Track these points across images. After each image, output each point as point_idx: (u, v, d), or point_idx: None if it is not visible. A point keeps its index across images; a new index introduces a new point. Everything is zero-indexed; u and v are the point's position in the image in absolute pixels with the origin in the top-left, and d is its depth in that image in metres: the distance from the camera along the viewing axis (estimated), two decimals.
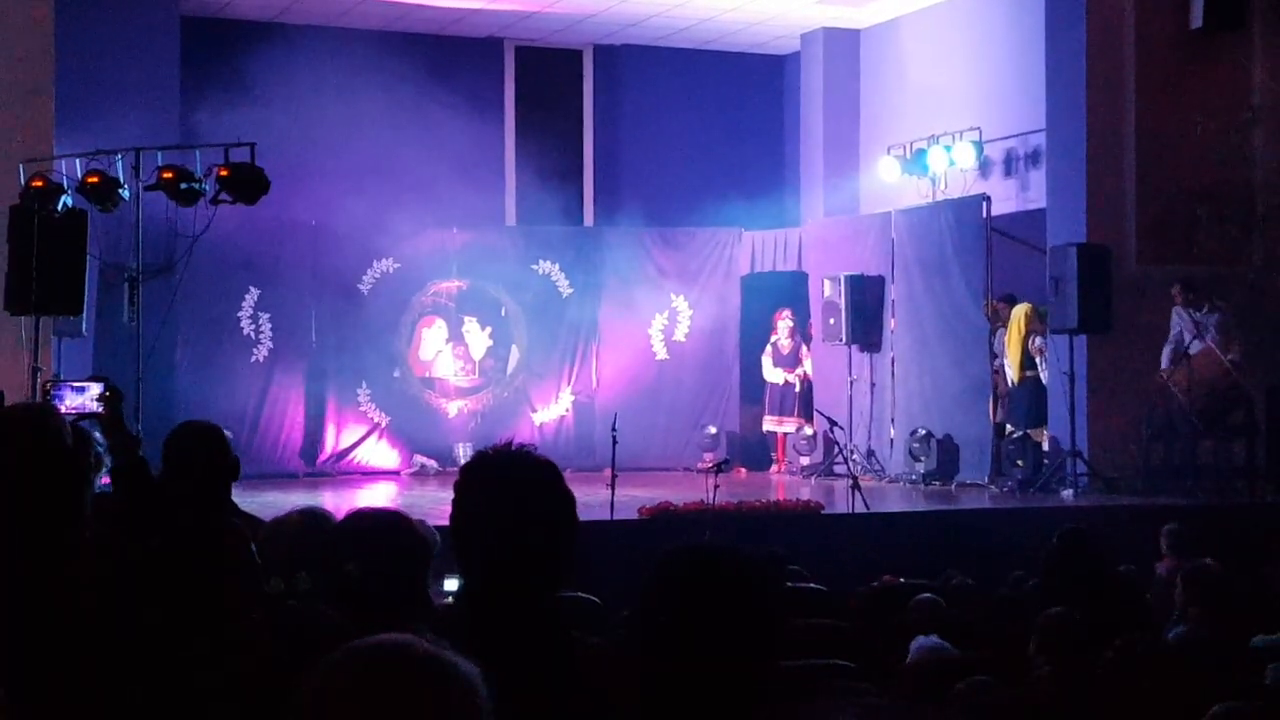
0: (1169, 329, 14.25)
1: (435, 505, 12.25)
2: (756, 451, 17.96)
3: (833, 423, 15.28)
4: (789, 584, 8.49)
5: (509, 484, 2.90)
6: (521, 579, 2.84)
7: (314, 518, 3.93)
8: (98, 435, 5.32)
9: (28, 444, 3.52)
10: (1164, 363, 14.15)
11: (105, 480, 5.30)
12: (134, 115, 14.35)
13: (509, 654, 2.61)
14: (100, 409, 5.59)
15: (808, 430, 17.26)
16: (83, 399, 5.85)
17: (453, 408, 17.42)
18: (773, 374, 17.65)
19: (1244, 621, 6.22)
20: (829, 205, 18.66)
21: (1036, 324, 15.02)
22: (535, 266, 17.73)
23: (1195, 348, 13.96)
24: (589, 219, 19.05)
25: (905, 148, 17.76)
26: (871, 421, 16.65)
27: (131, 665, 3.06)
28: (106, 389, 5.61)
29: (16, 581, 3.34)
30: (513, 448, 2.95)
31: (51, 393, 6.15)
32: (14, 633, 3.09)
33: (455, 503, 2.92)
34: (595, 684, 2.76)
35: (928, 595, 7.65)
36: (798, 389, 17.55)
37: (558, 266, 17.79)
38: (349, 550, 3.60)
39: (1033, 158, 16.42)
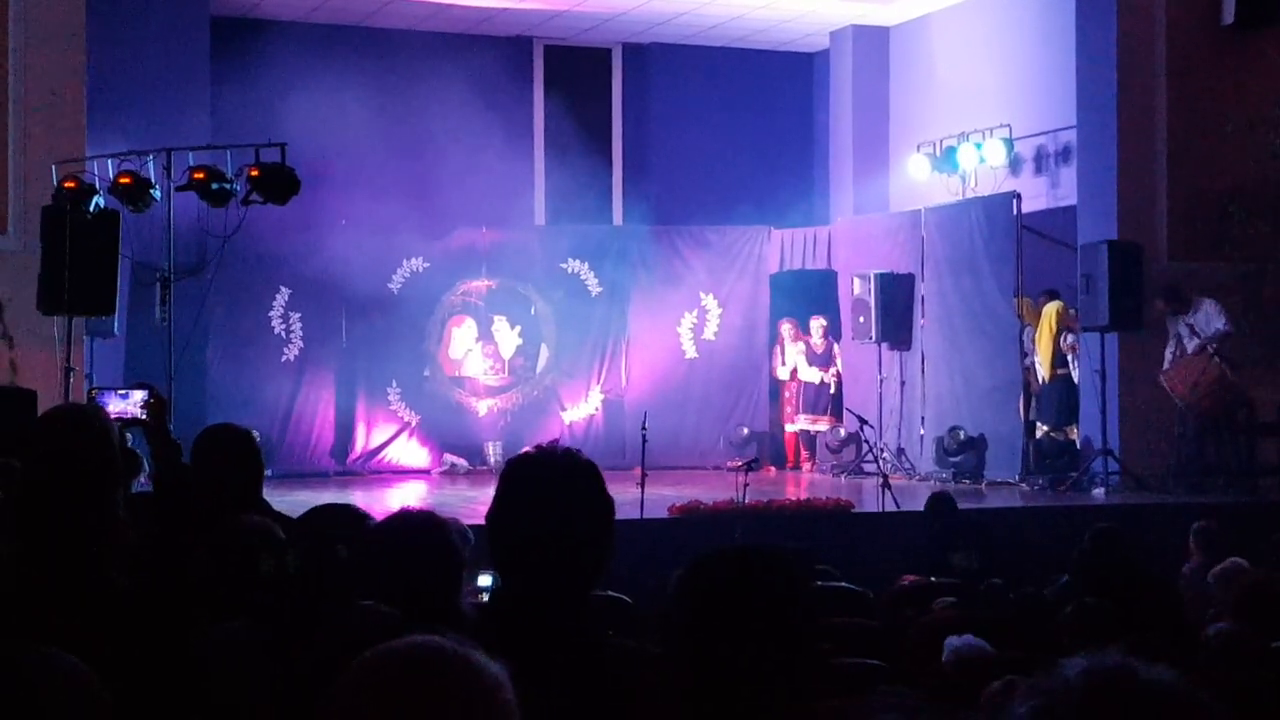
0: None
1: (465, 504, 12.27)
2: (786, 450, 17.94)
3: (863, 421, 15.25)
4: (818, 583, 8.48)
5: (553, 484, 2.90)
6: (558, 579, 2.84)
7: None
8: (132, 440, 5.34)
9: (79, 443, 3.53)
10: (1165, 365, 14.08)
11: (144, 482, 5.32)
12: (165, 116, 14.42)
13: (542, 653, 2.62)
14: (144, 415, 5.59)
15: (840, 430, 17.24)
16: (126, 405, 5.84)
17: (482, 407, 17.45)
18: (809, 373, 17.63)
19: (1274, 621, 6.18)
20: (858, 203, 18.62)
21: (1069, 321, 14.96)
22: (564, 265, 17.74)
23: (1193, 347, 13.90)
24: (618, 218, 19.04)
25: (935, 145, 17.73)
26: (901, 420, 16.61)
27: (165, 663, 3.07)
28: (151, 396, 5.61)
29: (49, 582, 3.35)
30: (558, 448, 2.95)
31: (95, 398, 6.16)
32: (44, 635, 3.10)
33: (496, 499, 2.92)
34: (626, 685, 2.76)
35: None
36: (832, 389, 17.55)
37: (587, 265, 17.79)
38: (387, 552, 3.62)
39: (1063, 155, 16.35)
